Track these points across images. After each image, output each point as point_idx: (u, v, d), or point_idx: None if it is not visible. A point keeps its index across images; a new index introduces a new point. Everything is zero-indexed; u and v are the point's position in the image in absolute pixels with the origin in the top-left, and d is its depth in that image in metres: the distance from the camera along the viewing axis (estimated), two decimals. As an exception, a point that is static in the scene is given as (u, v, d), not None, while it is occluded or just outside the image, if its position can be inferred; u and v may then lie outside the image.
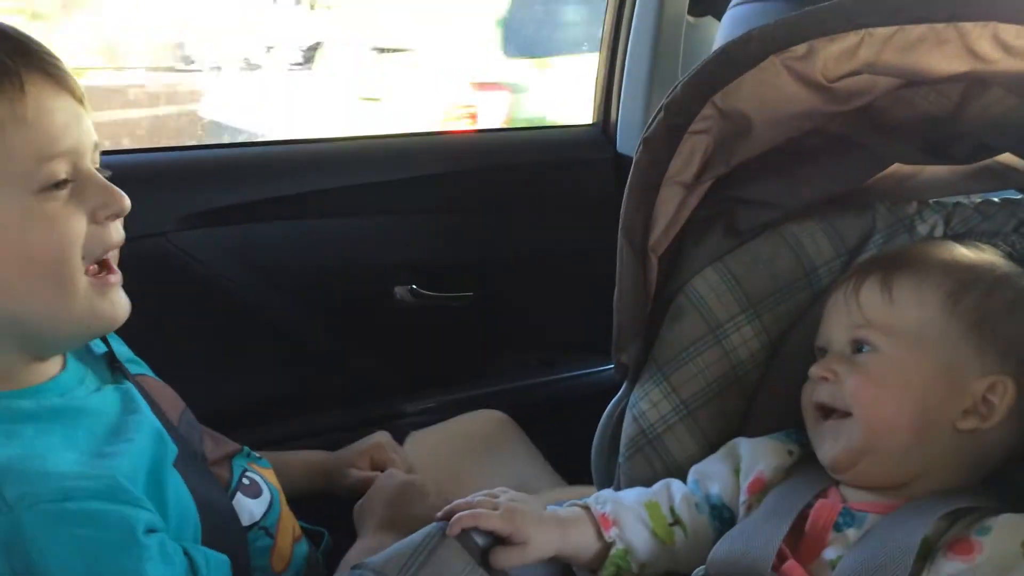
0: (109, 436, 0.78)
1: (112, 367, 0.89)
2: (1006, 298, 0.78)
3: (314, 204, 1.52)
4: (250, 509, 0.91)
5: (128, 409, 0.83)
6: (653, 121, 0.84)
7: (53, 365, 0.80)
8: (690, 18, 1.69)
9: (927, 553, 0.69)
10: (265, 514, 0.93)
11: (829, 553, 0.73)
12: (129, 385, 0.87)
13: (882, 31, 0.72)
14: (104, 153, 0.80)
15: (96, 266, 0.77)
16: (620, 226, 0.87)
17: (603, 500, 0.84)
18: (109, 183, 0.76)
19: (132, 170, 1.28)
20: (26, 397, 0.76)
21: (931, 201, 0.94)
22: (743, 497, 0.82)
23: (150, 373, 0.97)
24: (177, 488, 0.80)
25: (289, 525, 0.97)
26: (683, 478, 0.87)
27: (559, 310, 1.71)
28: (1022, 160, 0.84)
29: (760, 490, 0.81)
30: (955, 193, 0.94)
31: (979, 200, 0.94)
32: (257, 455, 1.03)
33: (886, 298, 0.79)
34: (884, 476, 0.76)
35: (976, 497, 0.73)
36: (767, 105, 0.79)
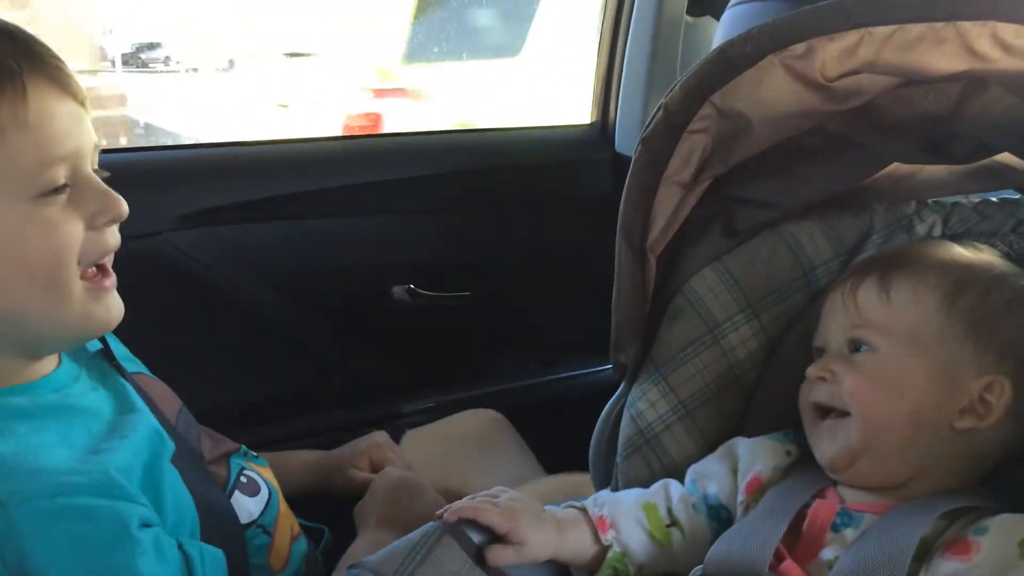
0: (105, 433, 0.78)
1: (108, 365, 0.89)
2: (1003, 298, 0.78)
3: (312, 204, 1.52)
4: (248, 507, 0.91)
5: (124, 407, 0.83)
6: (652, 121, 0.84)
7: (48, 363, 0.80)
8: (688, 18, 1.69)
9: (924, 553, 0.68)
10: (263, 512, 0.93)
11: (827, 553, 0.73)
12: (125, 383, 0.87)
13: (881, 30, 0.72)
14: (102, 152, 0.80)
15: (92, 269, 0.77)
16: (618, 226, 0.87)
17: (600, 502, 0.84)
18: (108, 188, 0.76)
19: (130, 169, 1.28)
20: (20, 394, 0.76)
21: (929, 201, 0.94)
22: (741, 497, 0.82)
23: (147, 372, 0.97)
24: (174, 484, 0.80)
25: (287, 523, 0.97)
26: (681, 478, 0.87)
27: (557, 310, 1.71)
28: (1020, 160, 0.84)
29: (758, 490, 0.81)
30: (953, 193, 0.94)
31: (977, 200, 0.94)
32: (255, 454, 1.03)
33: (883, 298, 0.79)
34: (882, 476, 0.76)
35: (974, 497, 0.73)
36: (766, 104, 0.79)
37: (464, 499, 0.80)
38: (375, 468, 1.15)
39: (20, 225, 0.70)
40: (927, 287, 0.78)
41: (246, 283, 1.51)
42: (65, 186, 0.73)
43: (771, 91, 0.78)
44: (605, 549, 0.81)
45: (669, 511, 0.84)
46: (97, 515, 0.69)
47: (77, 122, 0.74)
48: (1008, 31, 0.69)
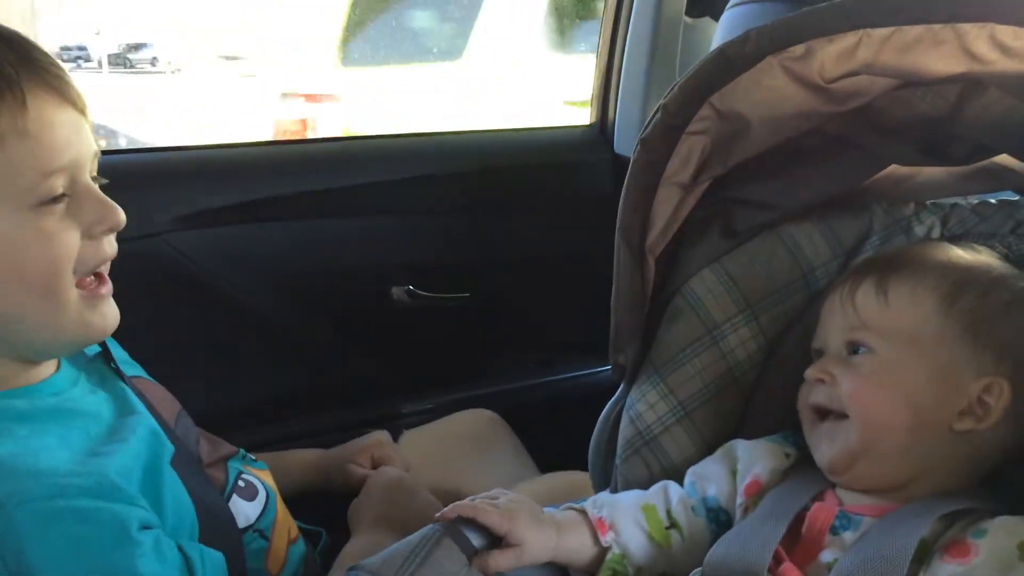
0: (104, 436, 0.78)
1: (107, 369, 0.89)
2: (1002, 299, 0.78)
3: (311, 204, 1.52)
4: (245, 512, 0.91)
5: (123, 410, 0.83)
6: (651, 122, 0.84)
7: (47, 367, 0.80)
8: (687, 19, 1.69)
9: (923, 555, 0.68)
10: (260, 516, 0.93)
11: (826, 556, 0.73)
12: (124, 387, 0.87)
13: (880, 32, 0.72)
14: (101, 152, 0.79)
15: (89, 277, 0.77)
16: (617, 227, 0.87)
17: (599, 504, 0.84)
18: (106, 198, 0.76)
19: (128, 170, 1.28)
20: (20, 397, 0.76)
21: (928, 202, 0.94)
22: (740, 499, 0.82)
23: (145, 375, 0.97)
24: (174, 486, 0.80)
25: (285, 527, 0.97)
26: (680, 480, 0.87)
27: (556, 311, 1.71)
28: (1019, 161, 0.84)
29: (757, 492, 0.81)
30: (952, 194, 0.94)
31: (976, 201, 0.94)
32: (253, 457, 1.03)
33: (882, 300, 0.79)
34: (880, 478, 0.76)
35: (972, 499, 0.73)
36: (764, 106, 0.79)
37: (463, 500, 0.80)
38: (375, 466, 1.15)
39: (17, 234, 0.70)
40: (925, 289, 0.78)
41: (245, 284, 1.51)
42: (63, 195, 0.73)
43: (770, 92, 0.78)
44: (604, 551, 0.81)
45: (668, 513, 0.84)
46: (96, 517, 0.69)
47: (76, 131, 0.74)
48: (1006, 33, 0.69)
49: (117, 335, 0.92)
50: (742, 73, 0.78)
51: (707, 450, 0.89)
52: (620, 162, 1.72)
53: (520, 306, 1.72)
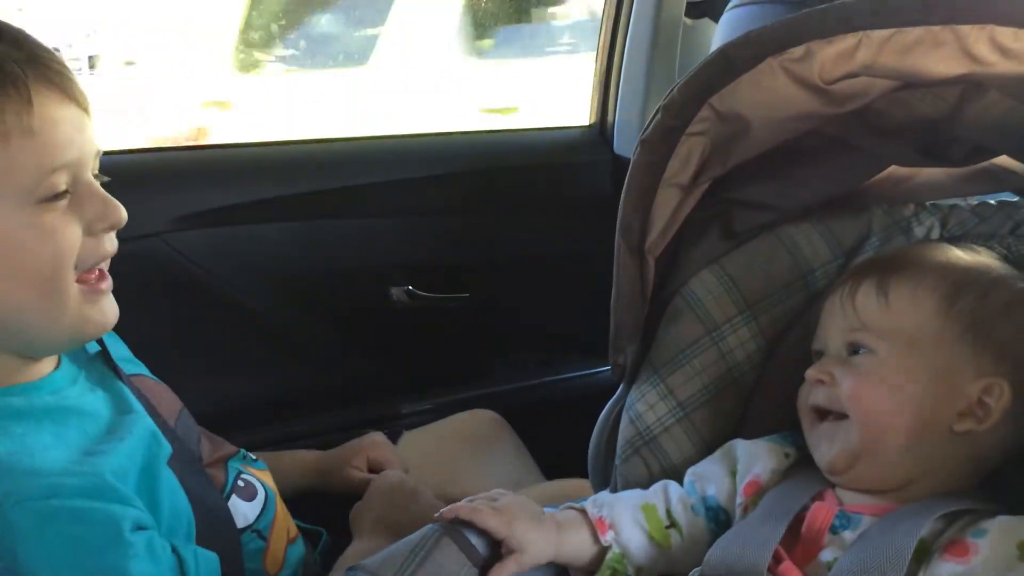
0: (101, 435, 0.78)
1: (107, 368, 0.89)
2: (1002, 300, 0.78)
3: (311, 205, 1.52)
4: (244, 512, 0.91)
5: (122, 409, 0.83)
6: (650, 123, 0.84)
7: (47, 364, 0.80)
8: (687, 20, 1.69)
9: (923, 555, 0.69)
10: (259, 517, 0.93)
11: (825, 555, 0.73)
12: (123, 386, 0.87)
13: (879, 33, 0.72)
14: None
15: (90, 272, 0.77)
16: (617, 227, 0.87)
17: (599, 503, 0.84)
18: (107, 195, 0.76)
19: (128, 170, 1.28)
20: (17, 395, 0.76)
21: (927, 203, 0.95)
22: (739, 499, 0.82)
23: (148, 373, 0.97)
24: (171, 486, 0.80)
25: (284, 527, 0.97)
26: (679, 480, 0.87)
27: (556, 311, 1.71)
28: (1019, 163, 0.84)
29: (756, 492, 0.81)
30: (952, 195, 0.94)
31: (975, 202, 0.94)
32: (253, 457, 1.03)
33: (882, 301, 0.79)
34: (880, 478, 0.76)
35: (972, 499, 0.73)
36: (764, 107, 0.79)
37: (462, 501, 0.80)
38: (373, 468, 1.15)
39: (20, 230, 0.71)
40: (925, 290, 0.78)
41: (244, 284, 1.51)
42: (66, 192, 0.73)
43: (770, 94, 0.78)
44: (604, 550, 0.81)
45: (668, 512, 0.84)
46: (90, 517, 0.69)
47: (80, 129, 0.75)
48: (1006, 34, 0.69)
49: (117, 333, 0.93)
50: (742, 74, 0.78)
51: (706, 450, 0.89)
52: (620, 163, 1.72)
53: (520, 306, 1.72)
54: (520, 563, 0.77)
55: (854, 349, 0.79)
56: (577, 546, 0.81)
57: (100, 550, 0.69)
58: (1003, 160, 0.86)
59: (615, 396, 0.96)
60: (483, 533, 0.78)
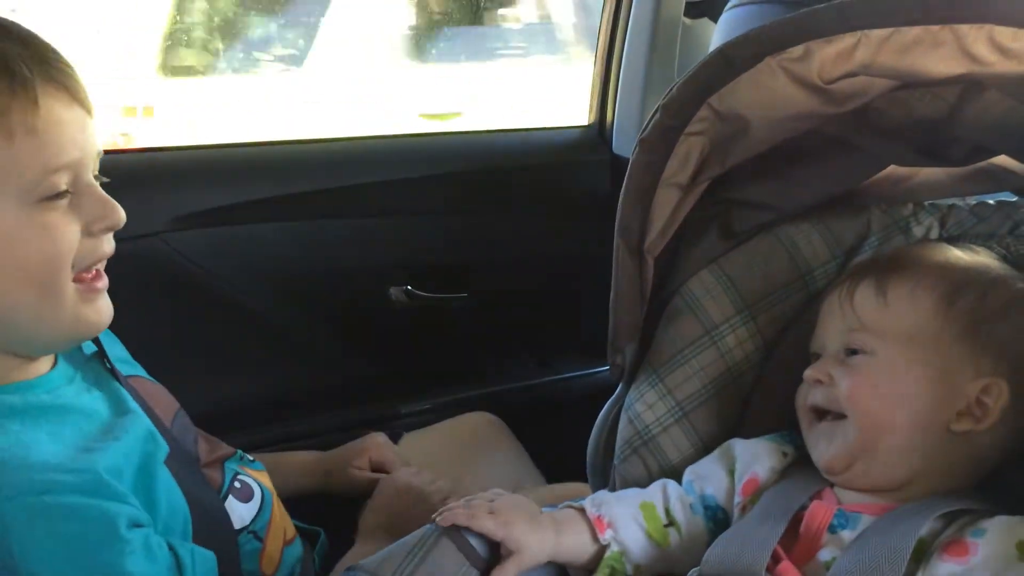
0: (96, 435, 0.78)
1: (104, 368, 0.89)
2: (1001, 300, 0.78)
3: (309, 205, 1.52)
4: (240, 513, 0.91)
5: (118, 410, 0.83)
6: (649, 122, 0.84)
7: (43, 364, 0.81)
8: (686, 20, 1.69)
9: (922, 555, 0.69)
10: (255, 518, 0.93)
11: (824, 555, 0.73)
12: (120, 387, 0.87)
13: (878, 33, 0.72)
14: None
15: (85, 272, 0.77)
16: (616, 227, 0.87)
17: (598, 502, 0.84)
18: (107, 196, 0.77)
19: (127, 169, 1.28)
20: (13, 393, 0.76)
21: (926, 203, 0.95)
22: (738, 498, 0.82)
23: (145, 374, 0.97)
24: (168, 485, 0.80)
25: (280, 528, 0.97)
26: (678, 479, 0.87)
27: (555, 311, 1.71)
28: (1017, 162, 0.84)
29: (754, 491, 0.81)
30: (951, 195, 0.94)
31: (974, 202, 0.94)
32: (251, 458, 1.03)
33: (880, 301, 0.79)
34: (878, 478, 0.76)
35: (971, 499, 0.73)
36: (763, 107, 0.79)
37: (460, 501, 0.80)
38: (375, 468, 1.15)
39: (20, 228, 0.71)
40: (924, 290, 0.78)
41: (243, 284, 1.50)
42: (66, 192, 0.73)
43: (769, 93, 0.78)
44: (603, 549, 0.81)
45: (667, 511, 0.84)
46: (85, 514, 0.69)
47: (83, 130, 0.75)
48: (1005, 34, 0.69)
49: (116, 334, 0.93)
50: (741, 74, 0.78)
51: (705, 450, 0.89)
52: (619, 163, 1.72)
53: (518, 306, 1.72)
54: (519, 564, 0.77)
55: (852, 349, 0.79)
56: (576, 545, 0.81)
57: (95, 547, 0.69)
58: (1002, 160, 0.86)
59: (614, 396, 0.96)
60: (481, 535, 0.78)
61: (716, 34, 1.46)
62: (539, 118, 1.98)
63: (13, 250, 0.71)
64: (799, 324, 0.91)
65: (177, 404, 0.96)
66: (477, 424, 1.37)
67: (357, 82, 2.43)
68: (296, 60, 2.43)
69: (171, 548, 0.75)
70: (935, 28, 0.70)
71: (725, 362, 0.91)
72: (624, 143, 1.72)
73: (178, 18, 2.29)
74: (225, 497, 0.91)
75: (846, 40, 0.73)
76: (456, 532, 0.76)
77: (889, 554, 0.67)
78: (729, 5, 1.38)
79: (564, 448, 1.09)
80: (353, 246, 1.58)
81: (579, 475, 1.01)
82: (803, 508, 0.76)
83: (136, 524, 0.72)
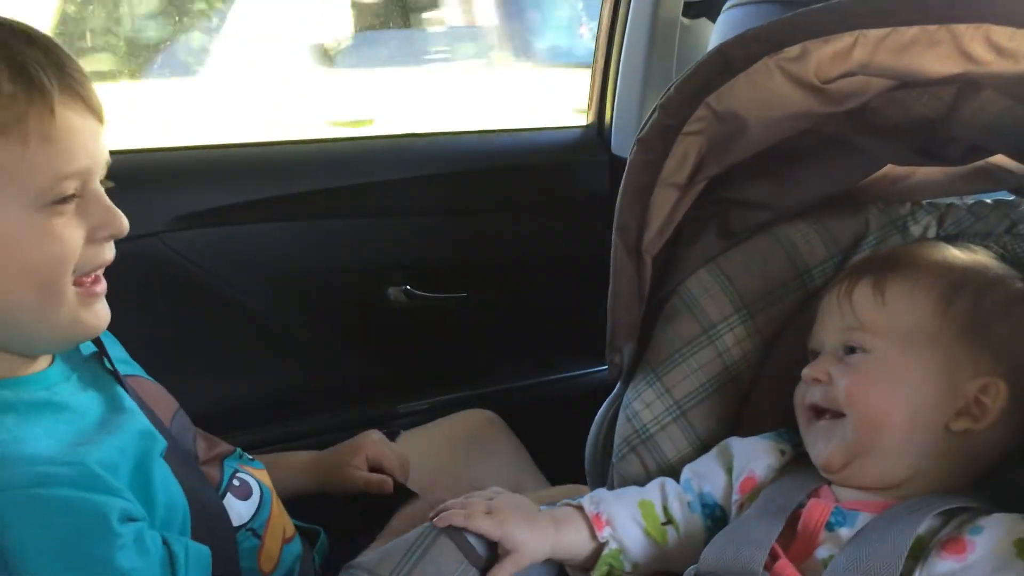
0: (91, 430, 0.78)
1: (102, 368, 0.89)
2: (999, 300, 0.78)
3: (308, 205, 1.52)
4: (238, 510, 0.91)
5: (114, 408, 0.83)
6: (647, 121, 0.84)
7: (40, 361, 0.81)
8: (684, 20, 1.69)
9: (920, 552, 0.69)
10: (253, 516, 0.93)
11: (821, 552, 0.73)
12: (117, 386, 0.87)
13: (875, 32, 0.72)
14: None
15: (87, 276, 0.78)
16: (614, 226, 0.88)
17: (596, 500, 0.84)
18: (113, 205, 0.78)
19: (126, 170, 1.27)
20: (9, 388, 0.77)
21: (924, 202, 0.95)
22: (735, 496, 0.82)
23: (143, 374, 0.97)
24: (166, 479, 0.81)
25: (279, 526, 0.97)
26: (676, 478, 0.87)
27: (553, 311, 1.71)
28: (1015, 161, 0.84)
29: (752, 489, 0.82)
30: (948, 194, 0.94)
31: (972, 201, 0.94)
32: (250, 456, 1.03)
33: (879, 300, 0.79)
34: (877, 476, 0.76)
35: (969, 497, 0.73)
36: (761, 106, 0.79)
37: (458, 499, 0.80)
38: (371, 466, 1.15)
39: (26, 231, 0.72)
40: (923, 289, 0.78)
41: (242, 284, 1.51)
42: (73, 196, 0.74)
43: (766, 93, 0.78)
44: (601, 546, 0.82)
45: (665, 509, 0.84)
46: (77, 507, 0.70)
47: (95, 138, 0.76)
48: (1001, 34, 0.69)
49: (116, 334, 0.93)
50: (739, 74, 0.78)
51: (703, 449, 0.90)
52: (617, 163, 1.72)
53: (517, 306, 1.72)
54: (516, 563, 0.77)
55: (851, 348, 0.79)
56: (574, 543, 0.82)
57: (86, 539, 0.69)
58: (999, 159, 0.86)
59: (612, 395, 0.97)
60: (478, 535, 0.78)
61: (714, 34, 1.47)
62: (458, 122, 1.93)
63: (18, 252, 0.72)
64: (797, 323, 0.92)
65: (176, 404, 0.96)
66: (475, 422, 1.37)
67: (261, 87, 2.38)
68: (193, 65, 2.37)
69: (165, 543, 0.75)
70: (932, 28, 0.71)
71: (723, 361, 0.92)
72: (623, 143, 1.72)
73: (65, 18, 2.19)
74: (224, 494, 0.91)
75: (843, 40, 0.73)
76: (454, 530, 0.76)
77: (887, 552, 0.68)
78: (727, 5, 1.39)
79: (562, 447, 1.09)
80: (352, 246, 1.58)
81: (577, 473, 1.01)
82: (801, 506, 0.77)
83: (129, 518, 0.72)
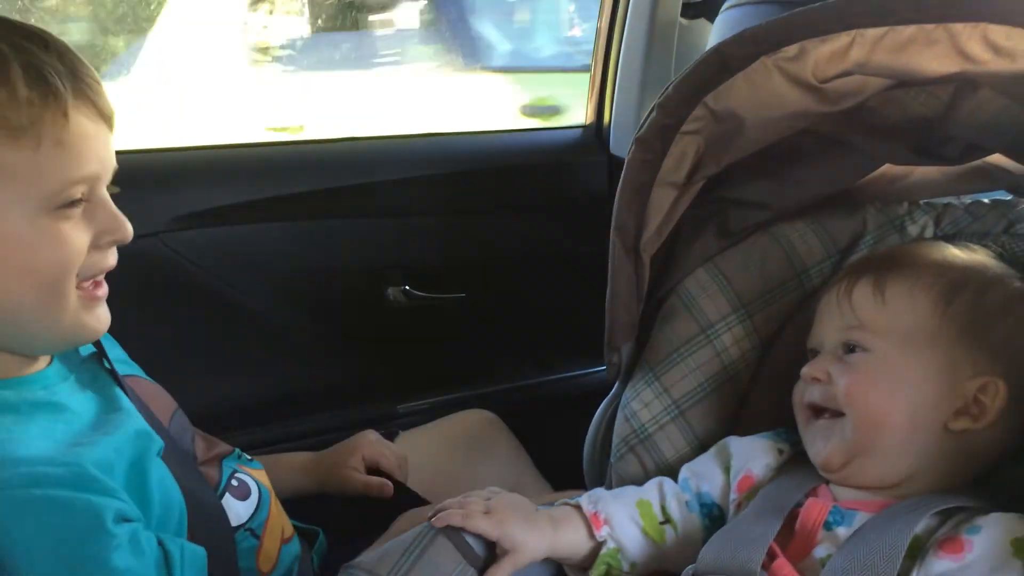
0: (87, 431, 0.79)
1: (100, 368, 0.89)
2: (999, 299, 0.78)
3: (307, 205, 1.52)
4: (237, 510, 0.91)
5: (111, 408, 0.84)
6: (646, 121, 0.84)
7: (39, 361, 0.81)
8: (683, 20, 1.69)
9: (917, 552, 0.69)
10: (252, 516, 0.93)
11: (819, 551, 0.73)
12: (116, 387, 0.87)
13: (873, 32, 0.72)
14: None
15: (88, 281, 0.78)
16: (612, 226, 0.88)
17: (594, 499, 0.84)
18: (118, 212, 0.78)
19: (126, 170, 1.28)
20: (8, 388, 0.77)
21: (921, 202, 0.95)
22: (733, 495, 0.82)
23: (142, 374, 0.97)
24: (162, 478, 0.81)
25: (278, 527, 0.97)
26: (674, 478, 0.87)
27: (552, 311, 1.71)
28: (1012, 161, 0.84)
29: (750, 488, 0.82)
30: (945, 194, 0.94)
31: (969, 201, 0.94)
32: (249, 456, 1.03)
33: (879, 299, 0.79)
34: (875, 476, 0.76)
35: (967, 497, 0.73)
36: (759, 106, 0.79)
37: (456, 499, 0.80)
38: (369, 466, 1.15)
39: (33, 233, 0.72)
40: (922, 288, 0.78)
41: (241, 284, 1.51)
42: (81, 200, 0.75)
43: (764, 92, 0.78)
44: (599, 546, 0.81)
45: (663, 508, 0.84)
46: (71, 507, 0.70)
47: (105, 144, 0.77)
48: (999, 33, 0.69)
49: (115, 335, 0.93)
50: (736, 73, 0.78)
51: (701, 448, 0.90)
52: (616, 163, 1.72)
53: (516, 306, 1.72)
54: (515, 562, 0.77)
55: (850, 347, 0.79)
56: (572, 542, 0.81)
57: (81, 539, 0.69)
58: (996, 158, 0.86)
59: (610, 395, 0.97)
60: (476, 535, 0.78)
61: (713, 35, 1.47)
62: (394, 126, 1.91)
63: (24, 253, 0.73)
64: (795, 323, 0.92)
65: (175, 404, 0.97)
66: (474, 422, 1.37)
67: (195, 92, 2.35)
68: (123, 69, 2.35)
69: (161, 543, 0.75)
70: (929, 27, 0.71)
71: (721, 360, 0.92)
72: (621, 143, 1.72)
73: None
74: (222, 495, 0.91)
75: (841, 39, 0.73)
76: (452, 530, 0.76)
77: (885, 551, 0.68)
78: (725, 6, 1.39)
79: (561, 447, 1.09)
80: (352, 246, 1.58)
81: (576, 473, 1.01)
82: (799, 505, 0.77)
83: (124, 518, 0.72)
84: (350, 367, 1.64)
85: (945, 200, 0.94)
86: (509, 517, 0.78)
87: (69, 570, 0.69)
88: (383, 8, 2.71)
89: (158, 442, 0.83)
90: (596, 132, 1.78)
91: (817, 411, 0.80)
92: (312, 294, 1.57)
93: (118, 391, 0.87)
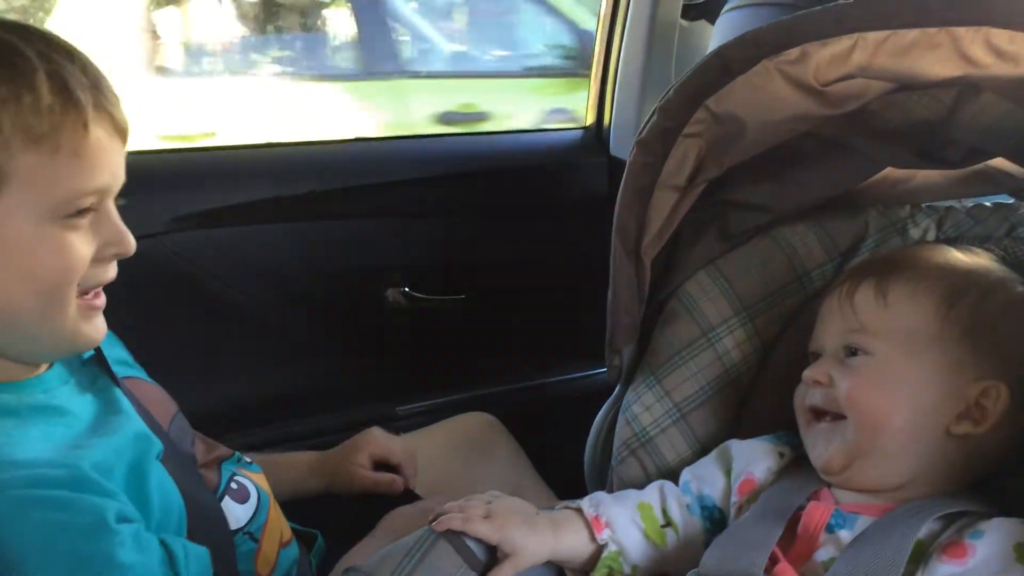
0: (86, 434, 0.79)
1: (100, 372, 0.89)
2: (1001, 303, 0.78)
3: (307, 206, 1.52)
4: (236, 514, 0.91)
5: (110, 411, 0.84)
6: (647, 124, 0.84)
7: (40, 365, 0.81)
8: (683, 22, 1.69)
9: (920, 556, 0.69)
10: (251, 519, 0.93)
11: (821, 555, 0.73)
12: (115, 390, 0.87)
13: (875, 35, 0.72)
14: None
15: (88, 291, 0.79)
16: (613, 228, 0.88)
17: (595, 502, 0.84)
18: (123, 226, 0.79)
19: (126, 170, 1.28)
20: (8, 392, 0.77)
21: (923, 205, 0.95)
22: (734, 498, 0.82)
23: (144, 376, 0.97)
24: (161, 480, 0.81)
25: (277, 530, 0.97)
26: (675, 481, 0.87)
27: (552, 313, 1.71)
28: (1014, 165, 0.84)
29: (751, 492, 0.82)
30: (947, 197, 0.94)
31: (971, 204, 0.94)
32: (248, 460, 1.03)
33: (881, 302, 0.79)
34: (876, 479, 0.76)
35: (969, 501, 0.73)
36: (760, 109, 0.79)
37: (456, 503, 0.80)
38: (377, 463, 1.15)
39: (39, 241, 0.73)
40: (924, 291, 0.78)
41: (241, 285, 1.51)
42: (89, 210, 0.75)
43: (766, 95, 0.78)
44: (600, 549, 0.81)
45: (664, 511, 0.84)
46: (74, 506, 0.70)
47: (118, 158, 0.77)
48: (1001, 37, 0.69)
49: (116, 334, 0.93)
50: (738, 76, 0.78)
51: (702, 452, 0.90)
52: (616, 165, 1.72)
53: (516, 308, 1.72)
54: (516, 566, 0.77)
55: (852, 350, 0.79)
56: (573, 545, 0.81)
57: (86, 536, 0.69)
58: (998, 162, 0.86)
59: (611, 398, 0.97)
60: (477, 539, 0.78)
61: (713, 37, 1.47)
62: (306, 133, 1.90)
63: (28, 259, 0.73)
64: (796, 325, 0.91)
65: (175, 406, 0.96)
66: (474, 425, 1.37)
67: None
68: None
69: (163, 543, 0.75)
70: (932, 30, 0.70)
71: (723, 364, 0.92)
72: (621, 145, 1.72)
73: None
74: (221, 498, 0.91)
75: (843, 43, 0.73)
76: (453, 534, 0.76)
77: (888, 556, 0.67)
78: (726, 8, 1.38)
79: (562, 450, 1.09)
80: (351, 247, 1.58)
81: (577, 477, 1.01)
82: (800, 508, 0.76)
83: (124, 519, 0.72)
84: (349, 369, 1.64)
85: (947, 203, 0.94)
86: (510, 521, 0.78)
87: (76, 567, 0.69)
88: (301, 13, 2.70)
89: (157, 445, 0.83)
90: (596, 134, 1.78)
91: (818, 414, 0.80)
92: (312, 295, 1.57)
93: (118, 394, 0.87)
